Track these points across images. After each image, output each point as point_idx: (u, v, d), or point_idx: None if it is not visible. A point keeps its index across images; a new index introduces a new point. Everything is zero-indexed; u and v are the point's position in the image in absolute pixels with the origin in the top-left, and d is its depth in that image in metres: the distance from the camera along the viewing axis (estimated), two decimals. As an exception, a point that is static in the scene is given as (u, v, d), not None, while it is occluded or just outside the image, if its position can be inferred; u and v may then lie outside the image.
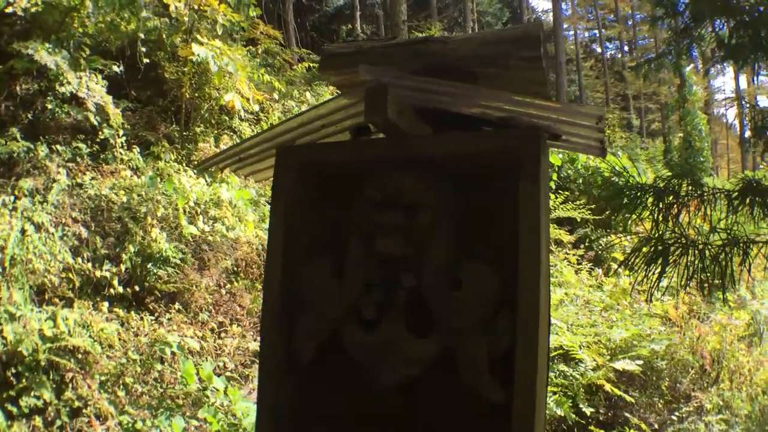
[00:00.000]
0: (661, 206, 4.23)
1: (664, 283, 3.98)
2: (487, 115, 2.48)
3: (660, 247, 3.74)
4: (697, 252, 3.77)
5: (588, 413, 8.03)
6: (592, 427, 7.96)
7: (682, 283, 3.85)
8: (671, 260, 3.73)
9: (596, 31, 58.63)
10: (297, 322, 2.65)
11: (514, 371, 2.27)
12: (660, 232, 3.95)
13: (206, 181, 9.27)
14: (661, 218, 4.18)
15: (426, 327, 2.49)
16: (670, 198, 4.28)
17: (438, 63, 2.75)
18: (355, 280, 2.57)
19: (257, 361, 8.08)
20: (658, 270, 3.75)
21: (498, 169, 2.52)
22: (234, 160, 2.78)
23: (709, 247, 3.87)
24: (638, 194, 4.22)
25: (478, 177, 2.60)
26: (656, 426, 8.55)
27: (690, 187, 4.31)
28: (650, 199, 4.18)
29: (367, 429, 2.63)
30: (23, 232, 7.83)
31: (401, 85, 2.39)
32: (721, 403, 8.81)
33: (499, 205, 2.54)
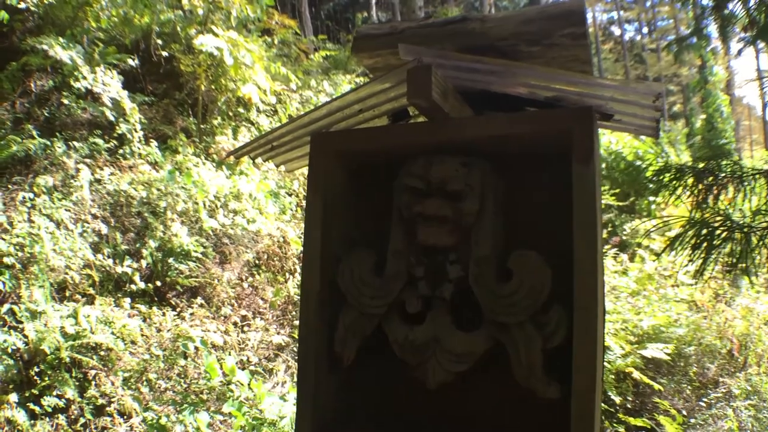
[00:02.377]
0: (701, 187, 4.06)
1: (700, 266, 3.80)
2: (535, 94, 2.33)
3: (705, 231, 3.58)
4: (742, 236, 3.60)
5: (617, 401, 7.88)
6: (620, 414, 7.82)
7: (727, 267, 3.70)
8: (717, 244, 3.56)
9: (614, 14, 57.92)
10: (338, 319, 2.51)
11: (571, 367, 2.12)
12: (704, 215, 3.78)
13: (225, 173, 9.15)
14: (701, 199, 4.02)
15: (474, 321, 2.35)
16: (710, 179, 4.11)
17: (477, 42, 2.61)
18: (398, 273, 2.43)
19: (281, 354, 8.02)
20: (704, 255, 3.59)
21: (547, 152, 2.37)
22: (266, 149, 2.64)
23: (755, 230, 3.70)
24: (678, 175, 4.06)
25: (526, 160, 2.46)
26: (685, 412, 8.37)
27: (729, 168, 4.14)
28: (690, 180, 4.02)
29: (413, 426, 2.49)
30: (43, 229, 7.73)
31: (444, 64, 2.25)
32: (749, 388, 8.62)
33: (549, 190, 2.41)
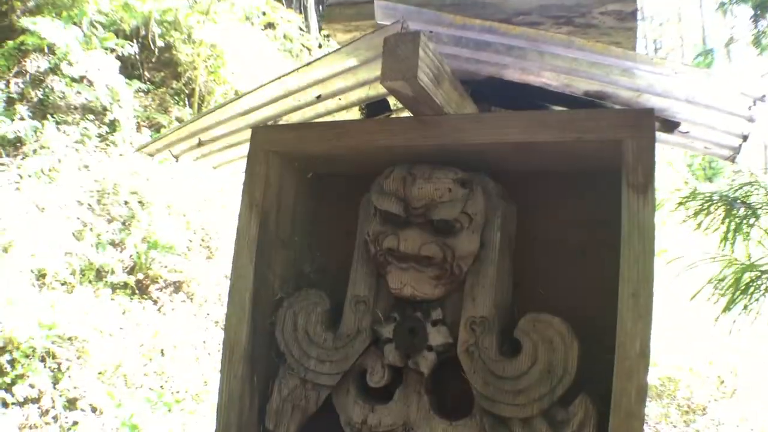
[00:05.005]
0: (732, 219, 3.25)
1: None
2: (570, 86, 1.49)
3: (749, 276, 2.78)
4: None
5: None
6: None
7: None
8: (766, 289, 2.77)
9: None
10: (274, 388, 1.71)
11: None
12: (752, 261, 2.97)
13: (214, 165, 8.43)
14: (732, 234, 3.21)
15: (462, 404, 1.58)
16: (742, 210, 3.30)
17: (487, 17, 1.78)
18: (358, 331, 1.65)
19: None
20: (748, 300, 2.80)
21: (583, 172, 1.58)
22: (190, 145, 1.78)
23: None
24: (706, 204, 3.26)
25: (551, 182, 1.65)
26: (672, 438, 7.81)
27: (765, 196, 3.33)
28: (723, 211, 3.21)
29: None
30: (27, 213, 7.03)
31: (440, 34, 1.40)
32: (739, 415, 7.99)
33: (582, 227, 1.61)
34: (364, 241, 1.63)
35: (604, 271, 1.44)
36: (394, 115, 1.78)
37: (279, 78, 1.51)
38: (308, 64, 1.46)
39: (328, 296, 1.69)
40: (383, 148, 1.61)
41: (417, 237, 1.52)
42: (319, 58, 1.45)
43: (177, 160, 1.86)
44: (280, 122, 1.73)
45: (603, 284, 1.43)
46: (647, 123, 1.39)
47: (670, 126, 1.50)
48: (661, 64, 1.30)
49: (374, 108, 1.76)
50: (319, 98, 1.60)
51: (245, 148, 1.82)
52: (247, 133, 1.75)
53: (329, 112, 1.71)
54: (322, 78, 1.55)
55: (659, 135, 1.55)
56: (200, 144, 1.78)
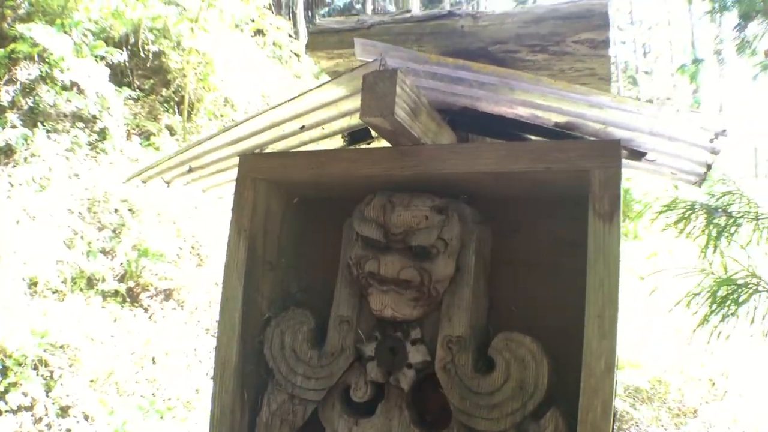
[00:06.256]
0: (712, 228, 3.34)
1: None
2: (540, 118, 1.58)
3: (726, 289, 2.87)
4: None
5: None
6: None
7: (750, 325, 3.01)
8: (742, 302, 2.85)
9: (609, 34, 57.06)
10: (263, 403, 1.80)
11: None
12: (730, 275, 3.05)
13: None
14: (713, 243, 3.29)
15: (440, 419, 1.66)
16: (723, 219, 3.38)
17: (465, 45, 1.89)
18: (342, 349, 1.74)
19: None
20: (724, 313, 2.89)
21: (553, 199, 1.67)
22: (181, 171, 1.87)
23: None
24: (687, 213, 3.34)
25: (524, 208, 1.74)
26: (663, 441, 7.82)
27: (745, 206, 3.42)
28: (703, 219, 3.29)
29: None
30: (18, 221, 7.04)
31: (417, 70, 1.50)
32: (730, 418, 8.01)
33: (552, 251, 1.70)
34: (347, 264, 1.71)
35: (575, 290, 1.51)
36: (375, 142, 1.86)
37: (265, 111, 1.60)
38: (291, 99, 1.56)
39: (313, 315, 1.78)
40: (364, 176, 1.70)
41: (396, 261, 1.61)
42: (303, 93, 1.54)
43: (168, 186, 1.95)
44: (267, 150, 1.82)
45: (574, 303, 1.51)
46: (613, 153, 1.48)
47: (637, 155, 1.60)
48: (624, 101, 1.39)
49: (356, 135, 1.85)
50: (303, 128, 1.69)
51: (233, 173, 1.91)
52: (235, 160, 1.84)
53: (313, 140, 1.80)
54: (306, 110, 1.64)
55: (627, 162, 1.64)
56: (190, 171, 1.87)
